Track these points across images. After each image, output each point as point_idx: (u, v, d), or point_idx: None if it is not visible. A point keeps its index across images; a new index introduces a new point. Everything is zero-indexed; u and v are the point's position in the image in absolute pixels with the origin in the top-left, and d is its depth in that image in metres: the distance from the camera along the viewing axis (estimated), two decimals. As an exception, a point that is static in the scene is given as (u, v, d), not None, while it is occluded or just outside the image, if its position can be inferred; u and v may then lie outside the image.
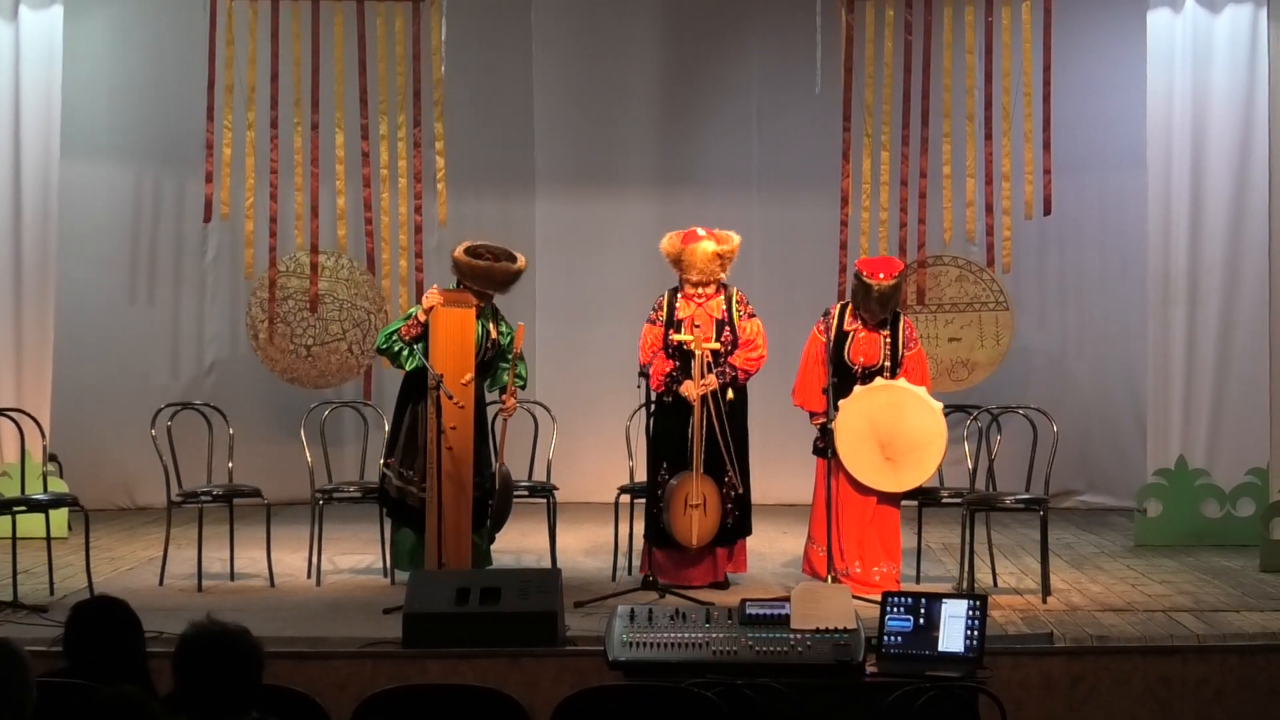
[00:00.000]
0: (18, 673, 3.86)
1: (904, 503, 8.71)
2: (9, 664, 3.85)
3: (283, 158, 11.13)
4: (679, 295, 8.76)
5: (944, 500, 8.84)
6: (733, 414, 8.62)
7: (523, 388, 8.76)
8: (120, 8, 11.82)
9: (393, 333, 8.65)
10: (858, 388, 8.53)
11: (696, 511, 8.50)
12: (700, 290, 8.70)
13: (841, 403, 8.43)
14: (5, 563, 8.46)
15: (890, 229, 11.18)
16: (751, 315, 8.74)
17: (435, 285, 8.83)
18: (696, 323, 8.57)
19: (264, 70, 11.00)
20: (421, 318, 8.58)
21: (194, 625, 4.11)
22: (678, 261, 8.74)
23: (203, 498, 8.82)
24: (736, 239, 8.82)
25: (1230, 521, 10.22)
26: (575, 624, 7.32)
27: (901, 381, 8.51)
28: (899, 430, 8.39)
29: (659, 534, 8.60)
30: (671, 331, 8.64)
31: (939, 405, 8.47)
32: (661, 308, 8.79)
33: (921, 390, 8.50)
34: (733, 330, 8.67)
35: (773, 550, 10.00)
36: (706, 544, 8.58)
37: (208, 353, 12.24)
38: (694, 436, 8.51)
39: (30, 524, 8.89)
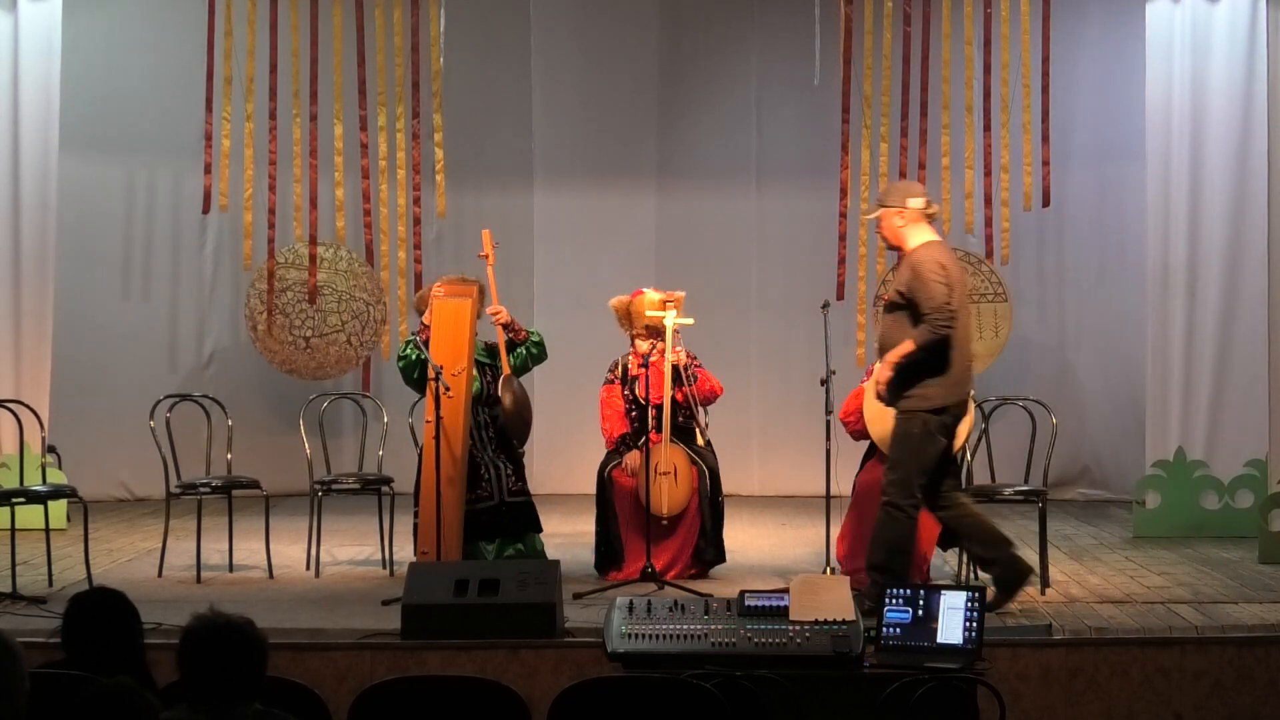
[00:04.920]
0: (10, 663, 3.84)
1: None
2: (1, 655, 3.85)
3: (281, 149, 11.12)
4: (629, 356, 8.87)
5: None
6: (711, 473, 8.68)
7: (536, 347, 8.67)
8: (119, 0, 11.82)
9: (408, 343, 8.60)
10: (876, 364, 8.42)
11: (666, 479, 8.53)
12: (650, 343, 8.72)
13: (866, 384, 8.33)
14: (4, 554, 8.46)
15: (889, 220, 11.16)
16: (699, 366, 8.81)
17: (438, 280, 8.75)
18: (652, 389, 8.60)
19: (263, 62, 10.99)
20: (427, 319, 8.55)
21: (198, 616, 4.11)
22: (626, 315, 8.86)
23: (201, 489, 8.82)
24: (681, 293, 8.84)
25: (1229, 513, 10.21)
26: (574, 615, 7.31)
27: None
28: None
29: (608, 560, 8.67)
30: (642, 371, 8.63)
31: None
32: (617, 367, 8.94)
33: None
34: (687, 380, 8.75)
35: (772, 542, 10.00)
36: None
37: (206, 344, 12.24)
38: (664, 403, 8.54)
39: (29, 515, 8.88)
